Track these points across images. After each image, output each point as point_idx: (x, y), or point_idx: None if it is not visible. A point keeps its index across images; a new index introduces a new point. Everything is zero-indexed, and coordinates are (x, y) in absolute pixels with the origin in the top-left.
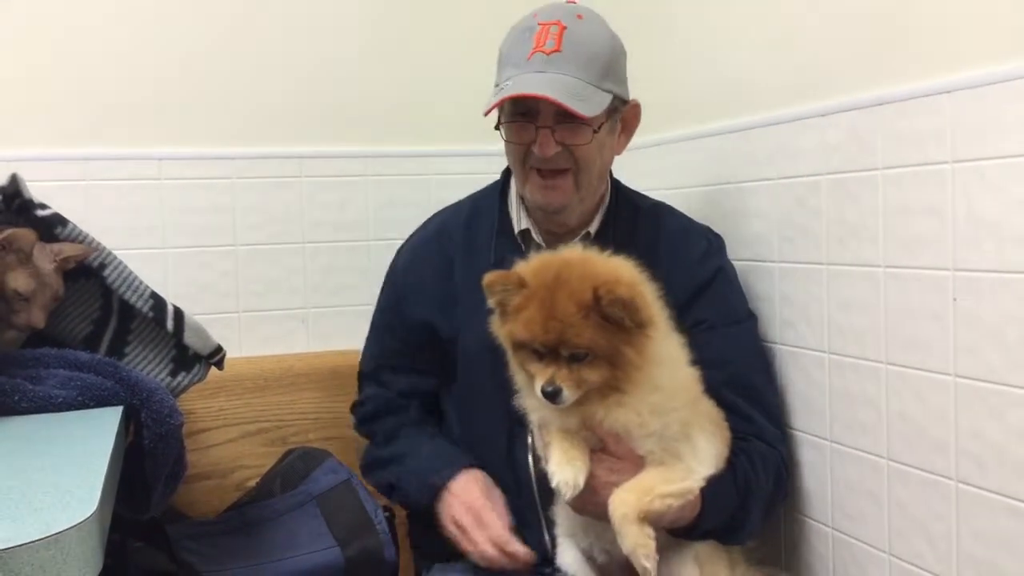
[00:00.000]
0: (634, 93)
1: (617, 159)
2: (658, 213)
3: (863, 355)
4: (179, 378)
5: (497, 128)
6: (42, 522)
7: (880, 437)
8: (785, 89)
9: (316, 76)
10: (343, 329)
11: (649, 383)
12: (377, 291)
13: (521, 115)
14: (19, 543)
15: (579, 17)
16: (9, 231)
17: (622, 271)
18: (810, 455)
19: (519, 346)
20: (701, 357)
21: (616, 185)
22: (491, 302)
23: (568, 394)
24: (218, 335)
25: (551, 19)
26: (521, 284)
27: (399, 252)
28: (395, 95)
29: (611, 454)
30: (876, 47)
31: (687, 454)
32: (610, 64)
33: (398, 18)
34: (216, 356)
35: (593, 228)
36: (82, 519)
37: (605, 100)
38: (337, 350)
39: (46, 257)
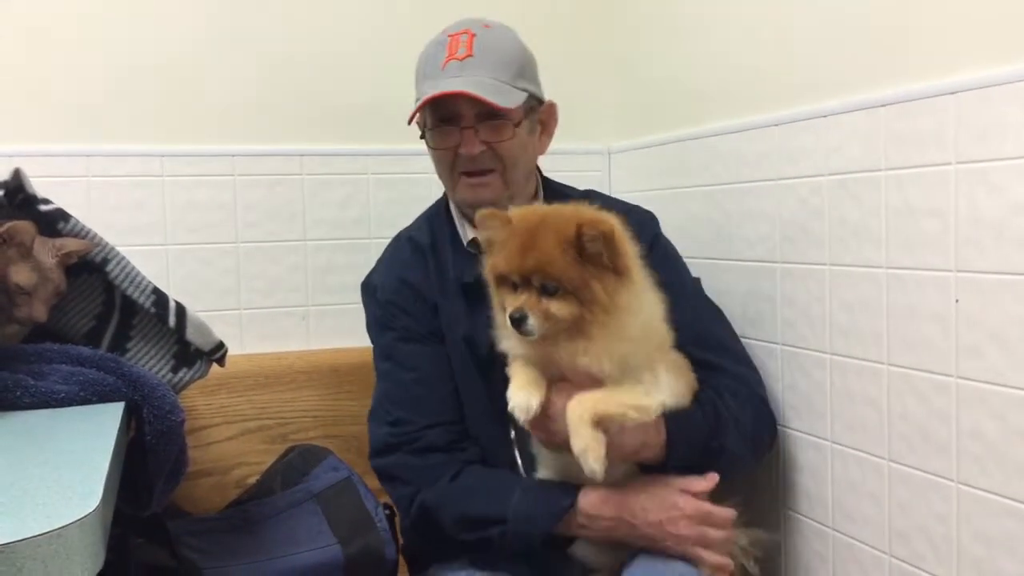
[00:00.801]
0: (636, 92)
1: (618, 160)
2: (589, 199)
3: (865, 356)
4: (181, 374)
5: (422, 138)
6: (44, 517)
7: (881, 438)
8: (787, 89)
9: (318, 74)
10: (344, 327)
11: (616, 331)
12: None
13: (444, 121)
14: (21, 537)
15: (486, 27)
16: (9, 224)
17: (610, 217)
18: (811, 455)
19: (500, 279)
20: None
21: (545, 182)
22: (481, 238)
23: (534, 323)
24: (219, 332)
25: (460, 29)
26: (508, 221)
27: (371, 281)
28: (397, 93)
29: (570, 382)
30: (879, 48)
31: (647, 380)
32: (522, 66)
33: (400, 16)
34: (218, 352)
35: None
36: (85, 514)
37: (520, 96)
38: (338, 348)
39: (48, 251)
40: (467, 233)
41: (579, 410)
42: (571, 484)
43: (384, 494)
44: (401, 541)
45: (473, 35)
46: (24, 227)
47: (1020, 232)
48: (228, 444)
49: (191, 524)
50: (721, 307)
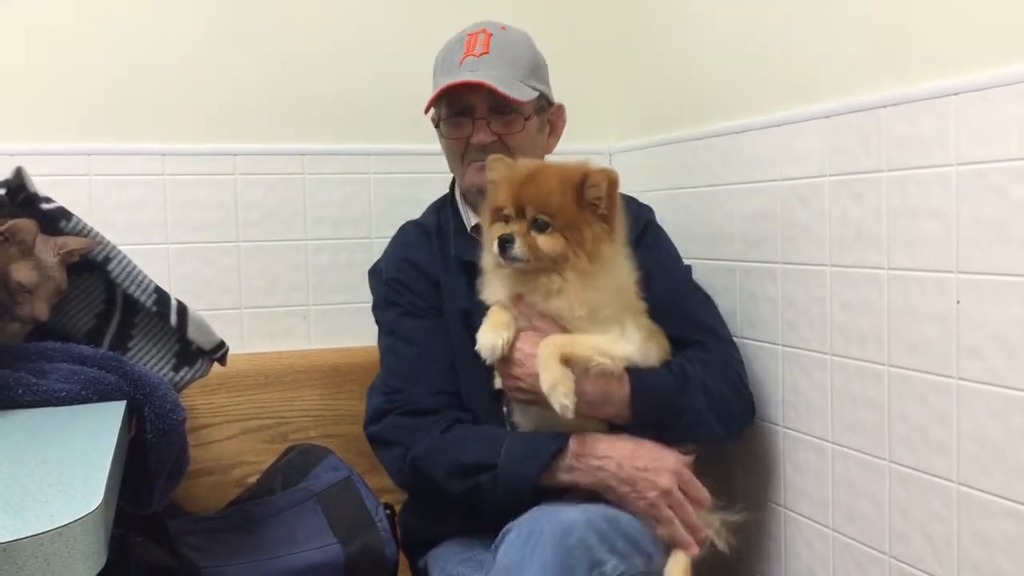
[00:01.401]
0: (638, 93)
1: (620, 160)
2: None
3: (865, 357)
4: (182, 373)
5: (437, 127)
6: (47, 515)
7: (882, 439)
8: (789, 90)
9: (319, 73)
10: (345, 326)
11: (592, 280)
12: None
13: (458, 113)
14: (23, 536)
15: (503, 28)
16: (11, 222)
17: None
18: (812, 456)
19: (495, 213)
20: (647, 304)
21: None
22: (490, 177)
23: (519, 250)
24: (220, 331)
25: (478, 29)
26: (513, 165)
27: (377, 265)
28: (398, 92)
29: (538, 331)
30: (880, 49)
31: (615, 333)
32: (535, 67)
33: (402, 16)
34: (219, 351)
35: None
36: (87, 512)
37: (532, 93)
38: (339, 347)
39: (49, 250)
40: (471, 219)
41: (549, 348)
42: (561, 432)
43: (384, 493)
44: (400, 537)
45: (490, 35)
46: (26, 225)
47: (1021, 233)
48: (229, 443)
49: (191, 523)
50: (722, 308)
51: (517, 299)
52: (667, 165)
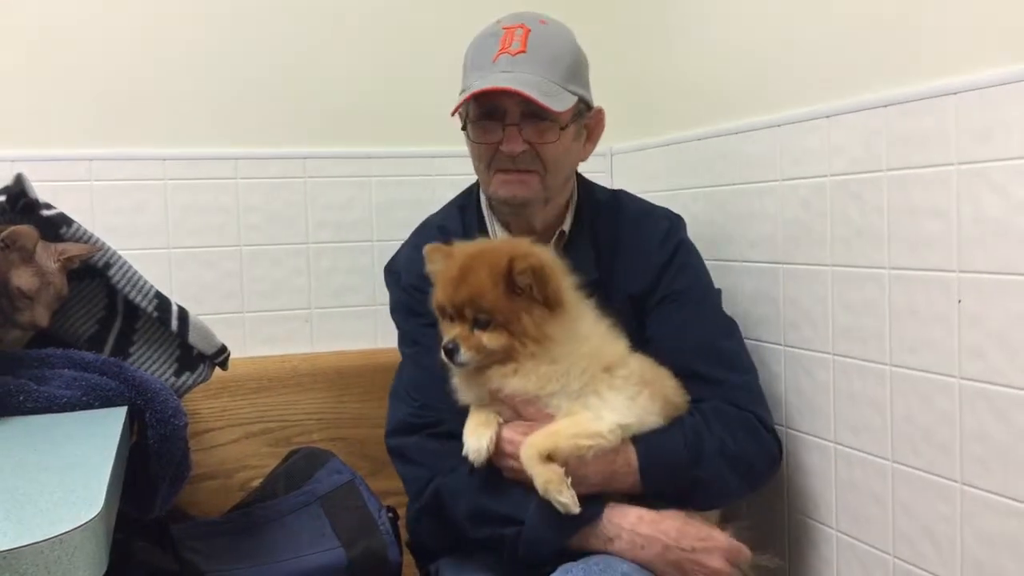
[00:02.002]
0: (638, 93)
1: (620, 161)
2: (617, 202)
3: (868, 357)
4: (183, 378)
5: (464, 129)
6: (47, 522)
7: (885, 439)
8: (789, 90)
9: (320, 77)
10: (347, 330)
11: (544, 356)
12: (380, 291)
13: (487, 116)
14: (24, 543)
15: (543, 23)
16: (11, 229)
17: (542, 252)
18: (815, 457)
19: (440, 311)
20: (667, 330)
21: (580, 181)
22: (428, 270)
23: (465, 354)
24: (222, 335)
25: (516, 23)
26: (448, 255)
27: (395, 266)
28: (399, 96)
29: (523, 419)
30: (880, 49)
31: (595, 405)
32: (574, 68)
33: (404, 20)
34: (220, 356)
35: (567, 226)
36: (88, 519)
37: (571, 100)
38: (341, 351)
39: (49, 256)
40: (496, 230)
41: (529, 450)
42: (596, 496)
43: (387, 496)
44: (406, 536)
45: (528, 30)
46: (26, 231)
47: (1022, 232)
48: (231, 447)
49: (194, 527)
50: (724, 308)
51: (492, 394)
52: (667, 165)
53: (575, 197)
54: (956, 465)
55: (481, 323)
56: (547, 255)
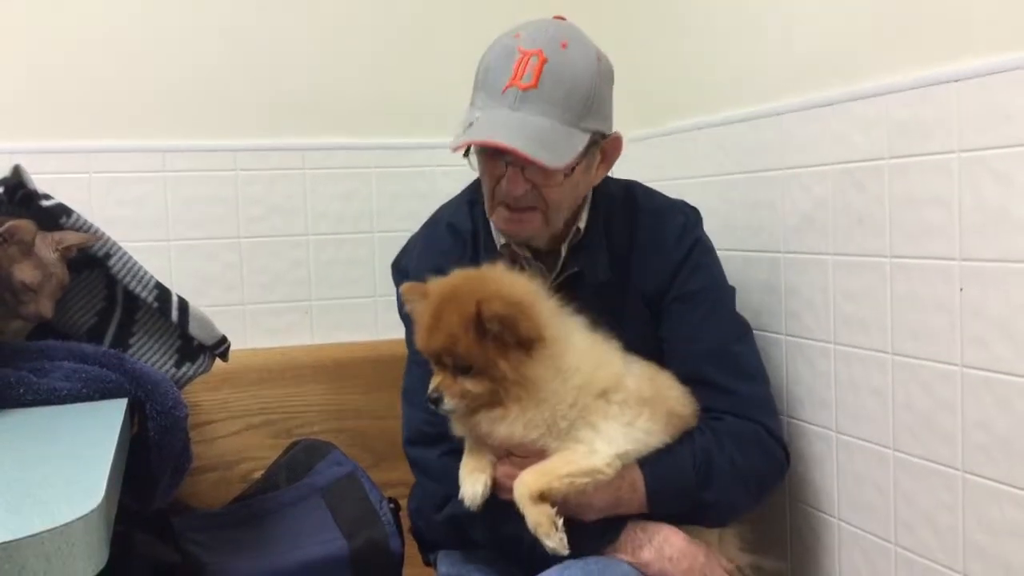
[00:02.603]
0: (639, 83)
1: (626, 150)
2: (631, 197)
3: (869, 346)
4: (184, 369)
5: (465, 156)
6: (48, 514)
7: (886, 428)
8: (791, 79)
9: (320, 68)
10: (348, 321)
11: (529, 398)
12: (380, 282)
13: (490, 152)
14: (25, 535)
15: (563, 46)
16: (9, 223)
17: (513, 288)
18: (816, 446)
19: (423, 355)
20: (680, 331)
21: None
22: (407, 310)
23: (449, 403)
24: (223, 327)
25: (533, 47)
26: (424, 295)
27: (404, 265)
28: (400, 87)
29: (518, 455)
30: (881, 37)
31: (588, 439)
32: (591, 99)
33: (403, 10)
34: (221, 347)
35: (582, 223)
36: (88, 511)
37: (580, 143)
38: (342, 343)
39: (48, 246)
40: (500, 237)
41: (521, 489)
42: (613, 517)
43: (388, 488)
44: (408, 524)
45: (544, 60)
46: (24, 225)
47: None
48: (232, 439)
49: (195, 519)
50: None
51: (482, 439)
52: (669, 154)
53: (590, 193)
54: (958, 453)
55: (462, 369)
56: (518, 289)
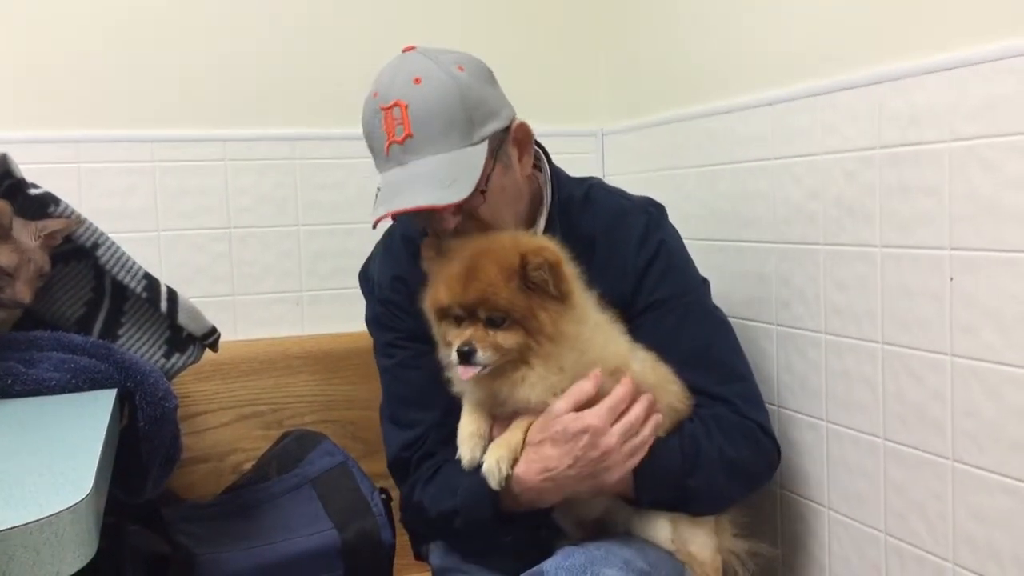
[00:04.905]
0: (630, 72)
1: (611, 141)
2: (592, 199)
3: (860, 335)
4: (173, 360)
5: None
6: (36, 504)
7: (876, 417)
8: (782, 68)
9: (309, 58)
10: (338, 312)
11: (555, 360)
12: None
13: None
14: (13, 525)
15: (417, 82)
16: None
17: (550, 243)
18: (806, 435)
19: (441, 313)
20: (655, 340)
21: (555, 177)
22: (424, 266)
23: (483, 355)
24: (212, 318)
25: (389, 101)
26: (446, 252)
27: (369, 273)
28: None
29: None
30: (872, 26)
31: None
32: (470, 112)
33: (393, 1)
34: (210, 337)
35: (540, 229)
36: (76, 501)
37: (480, 157)
38: (332, 333)
39: (29, 233)
40: None
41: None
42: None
43: (380, 478)
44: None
45: (405, 106)
46: (1, 207)
47: (1015, 209)
48: (223, 430)
49: (186, 510)
50: (715, 287)
51: (499, 403)
52: (659, 145)
53: (548, 196)
54: (948, 442)
55: (495, 322)
56: (556, 246)
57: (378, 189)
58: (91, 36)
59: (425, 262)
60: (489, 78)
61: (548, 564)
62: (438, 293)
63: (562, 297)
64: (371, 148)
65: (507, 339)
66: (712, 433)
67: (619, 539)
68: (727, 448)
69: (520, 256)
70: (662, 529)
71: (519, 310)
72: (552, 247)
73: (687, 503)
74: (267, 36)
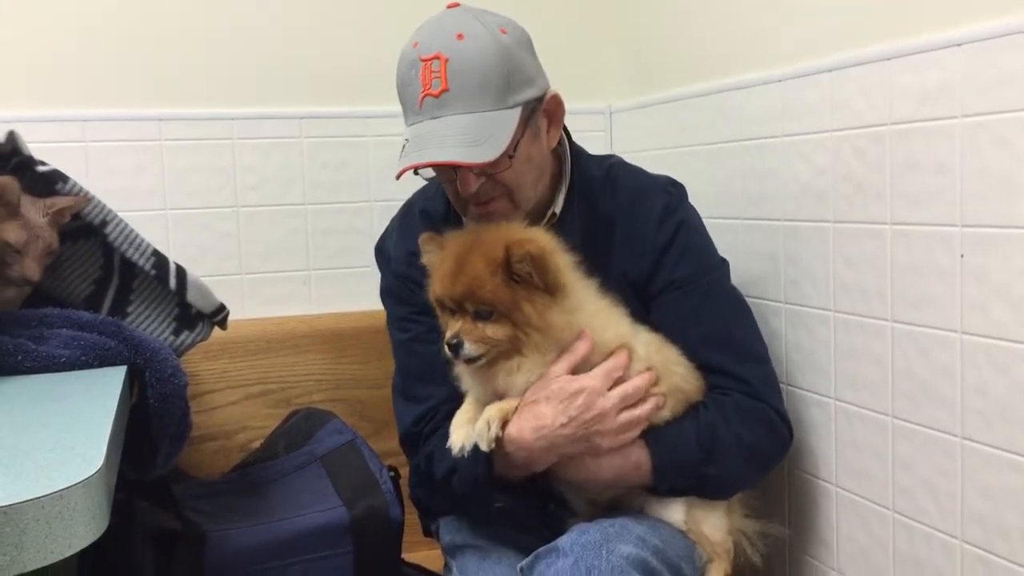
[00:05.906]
0: (638, 50)
1: (619, 119)
2: (613, 178)
3: (869, 313)
4: (182, 337)
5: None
6: (48, 478)
7: (885, 395)
8: (791, 45)
9: (317, 36)
10: (345, 291)
11: (548, 349)
12: None
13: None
14: (25, 499)
15: (459, 38)
16: None
17: (537, 235)
18: (815, 413)
19: (438, 304)
20: (675, 320)
21: (576, 155)
22: (424, 260)
23: (470, 348)
24: (220, 297)
25: (430, 53)
26: (443, 245)
27: (384, 248)
28: (396, 53)
29: None
30: (881, 2)
31: None
32: (508, 75)
33: None
34: (219, 315)
35: (558, 207)
36: (88, 475)
37: (512, 121)
38: (339, 312)
39: (38, 210)
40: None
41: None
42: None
43: (388, 456)
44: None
45: (446, 60)
46: (6, 183)
47: None
48: (231, 408)
49: (196, 488)
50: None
51: (496, 394)
52: (668, 123)
53: (567, 174)
54: (957, 420)
55: (483, 315)
56: (544, 238)
57: (406, 141)
58: (96, 15)
59: (425, 256)
60: (529, 46)
61: (563, 540)
62: (434, 285)
63: (549, 288)
64: (402, 99)
65: (496, 331)
66: (730, 419)
67: (633, 516)
68: (744, 434)
69: (504, 248)
70: (676, 511)
71: (504, 303)
72: (539, 239)
73: (704, 488)
74: (275, 14)
